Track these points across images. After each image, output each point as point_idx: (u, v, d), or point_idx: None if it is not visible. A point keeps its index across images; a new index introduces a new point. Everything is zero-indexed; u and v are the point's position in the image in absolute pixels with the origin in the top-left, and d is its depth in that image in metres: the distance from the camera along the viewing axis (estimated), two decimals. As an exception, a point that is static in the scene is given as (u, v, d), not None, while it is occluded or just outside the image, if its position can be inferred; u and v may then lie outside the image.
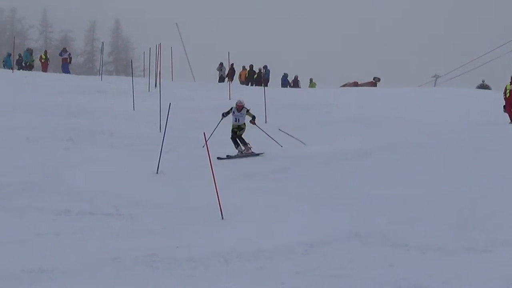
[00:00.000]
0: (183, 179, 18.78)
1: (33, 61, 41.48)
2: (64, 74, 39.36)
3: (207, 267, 12.32)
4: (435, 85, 47.23)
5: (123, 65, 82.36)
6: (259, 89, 33.24)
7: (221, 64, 39.98)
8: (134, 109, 26.81)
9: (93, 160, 21.77)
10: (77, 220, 16.54)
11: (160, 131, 22.15)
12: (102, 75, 38.57)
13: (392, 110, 29.13)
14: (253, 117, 21.86)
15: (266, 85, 32.55)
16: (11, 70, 36.74)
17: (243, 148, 21.46)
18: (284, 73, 40.86)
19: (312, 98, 32.32)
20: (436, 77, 48.51)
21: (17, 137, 22.97)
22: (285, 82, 40.35)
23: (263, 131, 22.10)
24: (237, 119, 21.38)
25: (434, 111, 29.57)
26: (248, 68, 39.47)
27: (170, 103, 20.12)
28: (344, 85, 42.08)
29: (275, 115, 26.38)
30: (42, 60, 40.89)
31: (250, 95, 30.11)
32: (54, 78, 36.52)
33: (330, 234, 15.57)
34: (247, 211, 16.28)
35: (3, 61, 40.89)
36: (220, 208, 15.49)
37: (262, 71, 38.93)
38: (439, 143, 22.30)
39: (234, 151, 21.57)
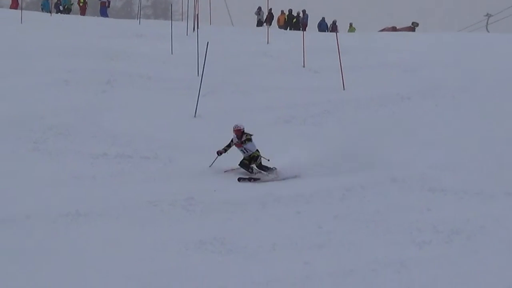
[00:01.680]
0: (220, 123, 18.73)
1: (71, 4, 42.03)
2: (102, 18, 39.92)
3: (244, 210, 12.56)
4: (487, 27, 46.33)
5: (161, 8, 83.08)
6: (297, 33, 33.38)
7: (259, 8, 39.98)
8: (172, 53, 27.05)
9: (131, 104, 21.55)
10: (114, 163, 16.91)
11: (198, 75, 22.20)
12: (141, 19, 38.85)
13: (430, 55, 29.28)
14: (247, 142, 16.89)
15: (305, 30, 32.49)
16: (49, 14, 37.22)
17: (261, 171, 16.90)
18: (322, 17, 40.79)
19: (350, 43, 32.36)
20: (488, 16, 47.36)
21: (56, 81, 23.05)
22: (323, 27, 40.20)
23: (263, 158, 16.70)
24: (244, 150, 16.75)
25: (475, 56, 29.49)
26: (286, 13, 39.32)
27: (208, 42, 20.10)
28: (383, 30, 42.13)
29: (313, 60, 26.71)
30: (81, 4, 41.50)
31: (288, 39, 30.48)
32: (92, 22, 36.72)
33: (368, 179, 15.87)
34: (285, 157, 16.72)
35: (42, 5, 41.52)
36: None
37: (300, 15, 38.79)
38: (478, 89, 22.34)
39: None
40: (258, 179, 16.65)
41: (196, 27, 28.99)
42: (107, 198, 13.07)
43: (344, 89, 22.51)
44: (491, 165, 15.54)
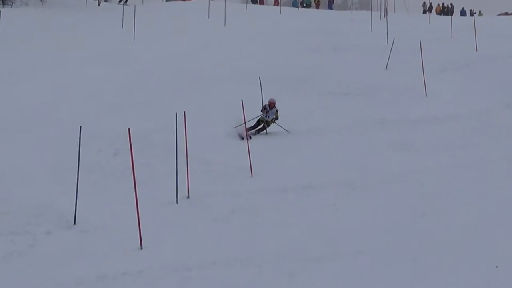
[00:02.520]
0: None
1: (309, 1, 56.24)
2: (329, 10, 57.18)
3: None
4: None
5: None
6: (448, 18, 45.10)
7: (424, 2, 60.10)
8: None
9: (350, 63, 30.81)
10: (339, 99, 26.03)
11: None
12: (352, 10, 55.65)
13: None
14: (276, 118, 22.57)
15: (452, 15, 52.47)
16: (297, 8, 52.61)
17: (254, 132, 22.64)
18: (462, 7, 58.11)
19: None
20: None
21: (297, 50, 33.49)
22: (463, 13, 57.26)
23: (284, 129, 22.66)
24: (268, 115, 22.52)
25: None
26: (441, 4, 57.95)
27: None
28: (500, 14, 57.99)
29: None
30: (315, 1, 56.96)
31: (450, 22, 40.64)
32: (324, 13, 53.29)
33: (485, 105, 23.40)
34: None
35: (292, 3, 57.36)
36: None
37: (449, 6, 57.84)
38: None
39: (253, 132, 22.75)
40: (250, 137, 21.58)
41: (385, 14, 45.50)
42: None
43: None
44: None
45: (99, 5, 53.24)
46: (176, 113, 17.97)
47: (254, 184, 18.36)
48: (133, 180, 14.79)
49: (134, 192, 14.60)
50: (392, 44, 30.05)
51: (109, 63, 32.78)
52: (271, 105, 22.19)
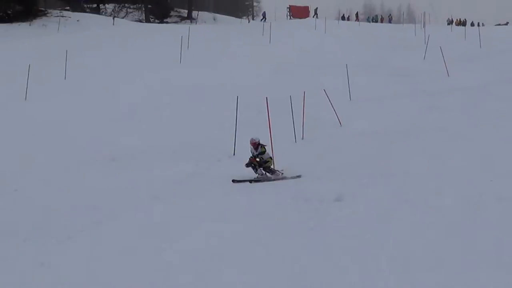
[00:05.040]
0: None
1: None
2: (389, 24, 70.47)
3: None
4: None
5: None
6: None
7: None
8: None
9: (402, 56, 43.48)
10: (395, 78, 35.31)
11: None
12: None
13: None
14: (263, 152, 18.71)
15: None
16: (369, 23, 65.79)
17: (266, 173, 18.89)
18: (472, 21, 69.34)
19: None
20: None
21: (370, 48, 46.10)
22: (472, 25, 66.64)
23: (269, 172, 19.29)
24: (260, 159, 18.61)
25: None
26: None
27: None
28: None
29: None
30: None
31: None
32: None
33: (486, 80, 31.12)
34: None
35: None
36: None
37: (464, 20, 68.46)
38: None
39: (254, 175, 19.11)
40: (259, 180, 18.24)
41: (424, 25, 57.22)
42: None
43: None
44: None
45: (248, 22, 74.10)
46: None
47: (343, 130, 24.72)
48: (269, 128, 19.81)
49: (269, 135, 19.53)
50: (427, 43, 42.03)
51: (252, 55, 43.24)
52: (254, 145, 18.62)
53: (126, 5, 74.42)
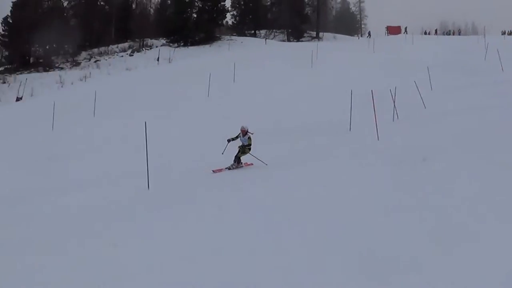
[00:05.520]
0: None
1: None
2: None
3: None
4: None
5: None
6: None
7: None
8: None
9: (466, 54, 42.01)
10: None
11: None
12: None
13: None
14: (249, 144, 16.30)
15: None
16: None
17: (235, 164, 16.37)
18: None
19: None
20: None
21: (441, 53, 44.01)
22: None
23: (254, 156, 16.37)
24: (242, 143, 16.30)
25: None
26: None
27: None
28: None
29: None
30: None
31: None
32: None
33: None
34: None
35: None
36: None
37: None
38: None
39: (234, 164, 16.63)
40: (234, 168, 16.04)
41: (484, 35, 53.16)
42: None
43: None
44: None
45: (358, 39, 74.66)
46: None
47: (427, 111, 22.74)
48: (374, 110, 18.63)
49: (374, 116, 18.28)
50: (487, 48, 40.61)
51: (360, 60, 42.34)
52: (243, 132, 16.29)
53: (274, 30, 76.54)
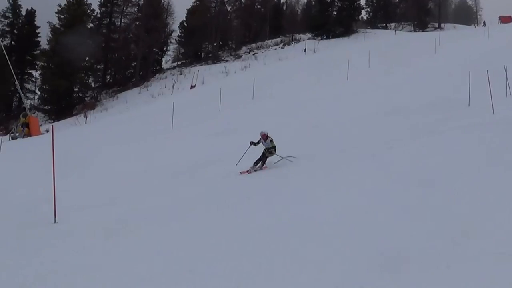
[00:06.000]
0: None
1: None
2: None
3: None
4: None
5: None
6: None
7: None
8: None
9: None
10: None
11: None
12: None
13: None
14: (273, 147, 13.40)
15: None
16: None
17: (255, 166, 13.25)
18: None
19: None
20: None
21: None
22: None
23: (279, 156, 13.32)
24: (265, 147, 13.46)
25: None
26: None
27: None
28: None
29: None
30: None
31: None
32: None
33: None
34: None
35: None
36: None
37: None
38: None
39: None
40: (255, 170, 12.88)
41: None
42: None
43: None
44: None
45: (475, 27, 66.47)
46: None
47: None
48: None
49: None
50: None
51: (474, 44, 36.63)
52: (263, 137, 13.51)
53: (402, 22, 75.69)
